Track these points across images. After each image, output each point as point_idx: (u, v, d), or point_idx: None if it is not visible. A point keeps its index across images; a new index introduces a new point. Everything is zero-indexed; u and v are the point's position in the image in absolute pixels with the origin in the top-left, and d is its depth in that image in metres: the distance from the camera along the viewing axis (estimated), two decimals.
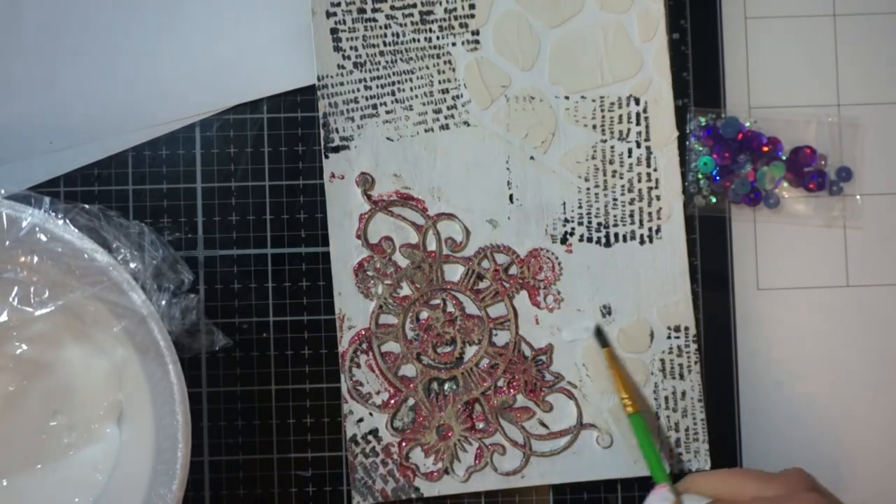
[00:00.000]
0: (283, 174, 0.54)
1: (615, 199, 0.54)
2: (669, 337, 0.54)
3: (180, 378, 0.47)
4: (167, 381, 0.47)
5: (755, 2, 0.55)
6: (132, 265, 0.48)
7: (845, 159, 0.55)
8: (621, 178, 0.54)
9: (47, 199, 0.48)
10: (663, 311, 0.54)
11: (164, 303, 0.48)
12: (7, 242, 0.47)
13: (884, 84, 0.55)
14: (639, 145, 0.54)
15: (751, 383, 0.54)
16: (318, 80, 0.53)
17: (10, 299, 0.48)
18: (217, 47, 0.53)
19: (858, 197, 0.55)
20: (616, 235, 0.54)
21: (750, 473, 0.46)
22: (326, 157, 0.53)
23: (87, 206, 0.49)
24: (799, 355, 0.55)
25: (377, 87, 0.53)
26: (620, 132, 0.54)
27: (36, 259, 0.48)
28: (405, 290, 0.53)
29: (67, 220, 0.47)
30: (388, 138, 0.53)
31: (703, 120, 0.54)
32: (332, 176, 0.53)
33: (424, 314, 0.53)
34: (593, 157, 0.54)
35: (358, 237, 0.53)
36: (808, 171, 0.54)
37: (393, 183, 0.53)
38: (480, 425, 0.53)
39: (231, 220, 0.54)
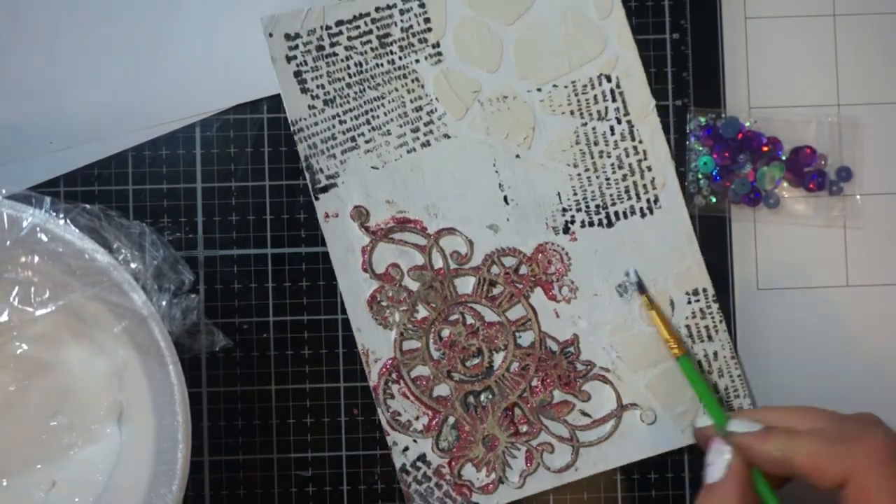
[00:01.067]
0: (283, 174, 0.54)
1: (608, 179, 0.54)
2: (689, 302, 0.53)
3: (180, 378, 0.47)
4: (167, 381, 0.47)
5: (755, 2, 0.55)
6: (133, 265, 0.48)
7: (845, 159, 0.55)
8: (609, 156, 0.54)
9: (48, 199, 0.48)
10: (678, 277, 0.53)
11: (164, 303, 0.48)
12: (8, 242, 0.47)
13: (884, 84, 0.55)
14: (619, 121, 0.54)
15: (750, 383, 0.54)
16: (293, 124, 0.53)
17: (11, 299, 0.48)
18: (217, 47, 0.53)
19: (858, 197, 0.55)
20: (616, 214, 0.54)
21: (821, 411, 0.46)
22: (317, 198, 0.53)
23: (87, 207, 0.48)
24: (799, 355, 0.55)
25: (351, 119, 0.53)
26: (598, 112, 0.54)
27: (36, 259, 0.48)
28: (422, 312, 0.53)
29: (68, 221, 0.47)
30: (373, 167, 0.53)
31: (703, 120, 0.54)
32: (327, 216, 0.53)
33: (446, 331, 0.53)
34: (577, 143, 0.54)
35: (364, 270, 0.53)
36: (808, 171, 0.54)
37: (387, 210, 0.53)
38: (524, 428, 0.53)
39: (231, 220, 0.54)
